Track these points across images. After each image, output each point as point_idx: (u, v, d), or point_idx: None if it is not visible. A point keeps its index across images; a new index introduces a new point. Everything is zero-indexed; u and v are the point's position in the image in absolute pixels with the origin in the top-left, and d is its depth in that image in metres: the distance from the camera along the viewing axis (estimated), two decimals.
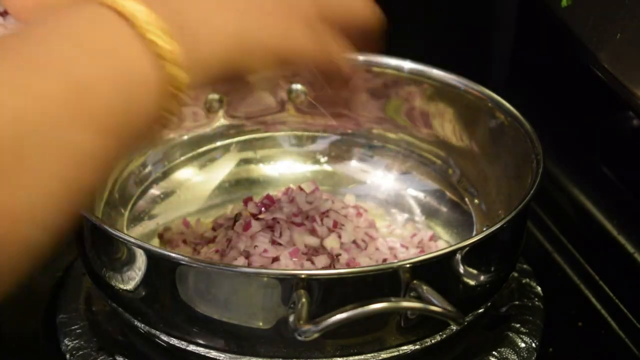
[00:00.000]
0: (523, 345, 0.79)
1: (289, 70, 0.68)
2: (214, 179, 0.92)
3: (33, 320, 0.82)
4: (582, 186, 0.95)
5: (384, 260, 0.80)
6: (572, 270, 0.89)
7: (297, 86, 0.92)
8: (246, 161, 0.93)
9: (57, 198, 0.50)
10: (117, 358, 0.77)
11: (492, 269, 0.74)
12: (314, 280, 0.66)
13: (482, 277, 0.73)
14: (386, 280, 0.68)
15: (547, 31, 0.98)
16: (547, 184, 0.94)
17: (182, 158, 0.91)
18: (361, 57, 0.90)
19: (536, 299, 0.83)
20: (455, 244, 0.70)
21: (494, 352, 0.78)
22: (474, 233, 0.85)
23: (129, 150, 0.54)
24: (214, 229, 0.85)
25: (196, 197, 0.91)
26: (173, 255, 0.69)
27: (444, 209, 0.89)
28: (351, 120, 0.93)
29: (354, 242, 0.80)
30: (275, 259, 0.76)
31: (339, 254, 0.78)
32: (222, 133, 0.93)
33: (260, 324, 0.69)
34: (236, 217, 0.81)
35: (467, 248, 0.70)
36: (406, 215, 0.90)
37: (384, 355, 0.71)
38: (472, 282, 0.72)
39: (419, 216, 0.90)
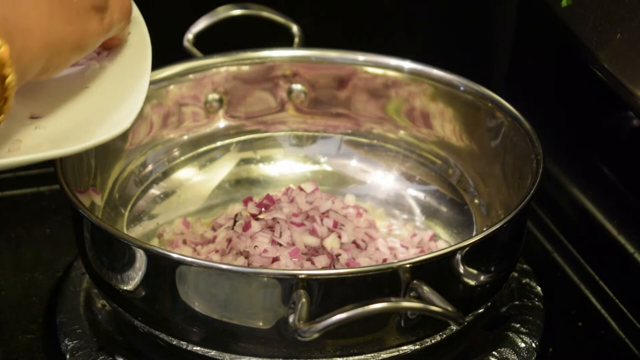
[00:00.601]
0: (523, 345, 0.79)
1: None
2: (214, 179, 0.92)
3: (33, 321, 0.82)
4: (582, 186, 0.95)
5: (384, 260, 0.80)
6: (572, 270, 0.89)
7: (297, 86, 0.92)
8: (246, 161, 0.93)
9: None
10: (117, 358, 0.77)
11: (492, 269, 0.74)
12: (314, 280, 0.66)
13: (482, 277, 0.73)
14: (386, 280, 0.68)
15: (547, 31, 0.98)
16: (547, 184, 0.94)
17: (182, 158, 0.91)
18: (361, 57, 0.91)
19: (536, 299, 0.83)
20: (455, 244, 0.70)
21: (494, 352, 0.78)
22: (474, 233, 0.85)
23: None
24: (214, 229, 0.85)
25: (196, 197, 0.91)
26: (173, 255, 0.69)
27: (444, 209, 0.89)
28: (351, 120, 0.93)
29: (354, 242, 0.80)
30: (275, 259, 0.76)
31: (339, 254, 0.78)
32: (222, 133, 0.93)
33: (260, 324, 0.69)
34: (236, 217, 0.81)
35: (467, 248, 0.70)
36: (406, 215, 0.90)
37: (384, 355, 0.71)
38: (472, 282, 0.72)
39: (419, 216, 0.90)
